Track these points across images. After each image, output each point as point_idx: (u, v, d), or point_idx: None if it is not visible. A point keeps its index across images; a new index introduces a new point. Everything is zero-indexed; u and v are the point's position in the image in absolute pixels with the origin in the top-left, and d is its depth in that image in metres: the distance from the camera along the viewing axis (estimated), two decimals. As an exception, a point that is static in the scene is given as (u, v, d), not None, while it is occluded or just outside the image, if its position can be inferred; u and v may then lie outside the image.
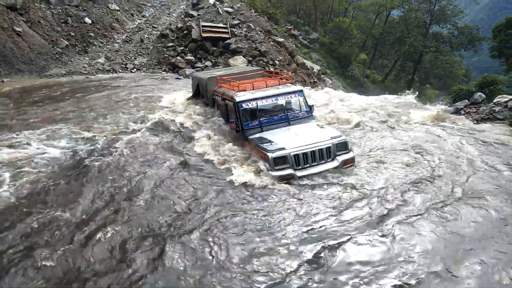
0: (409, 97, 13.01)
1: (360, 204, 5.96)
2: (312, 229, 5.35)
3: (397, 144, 8.44)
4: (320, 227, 5.39)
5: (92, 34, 21.60)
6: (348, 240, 5.06)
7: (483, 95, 11.23)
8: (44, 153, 8.19)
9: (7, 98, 13.68)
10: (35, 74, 17.79)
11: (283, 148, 7.29)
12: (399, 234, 5.13)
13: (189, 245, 5.04)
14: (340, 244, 4.98)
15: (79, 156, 8.06)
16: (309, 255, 4.78)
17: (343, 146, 7.55)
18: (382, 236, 5.11)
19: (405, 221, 5.42)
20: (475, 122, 9.57)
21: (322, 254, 4.79)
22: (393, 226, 5.31)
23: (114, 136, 9.25)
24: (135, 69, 20.12)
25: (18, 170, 7.25)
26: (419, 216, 5.51)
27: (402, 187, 6.40)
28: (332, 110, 11.46)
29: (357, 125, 10.04)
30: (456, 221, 5.37)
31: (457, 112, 10.61)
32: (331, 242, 5.01)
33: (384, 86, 35.57)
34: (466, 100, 11.40)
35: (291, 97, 8.89)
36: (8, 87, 15.52)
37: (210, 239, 5.16)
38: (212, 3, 25.11)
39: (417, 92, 14.68)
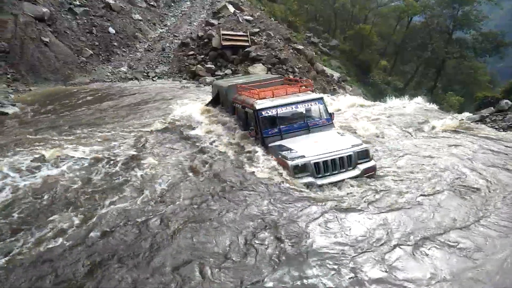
0: (432, 105, 12.75)
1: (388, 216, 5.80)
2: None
3: (417, 155, 8.23)
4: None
5: (115, 43, 22.14)
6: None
7: (510, 102, 10.88)
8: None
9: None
10: (60, 83, 18.32)
11: (303, 156, 7.26)
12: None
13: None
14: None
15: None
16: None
17: (364, 155, 7.45)
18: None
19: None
20: (501, 130, 9.28)
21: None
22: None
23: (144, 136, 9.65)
24: (156, 77, 20.48)
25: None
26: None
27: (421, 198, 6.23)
28: (352, 117, 11.36)
29: (377, 133, 9.91)
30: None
31: (482, 120, 10.33)
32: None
33: (406, 93, 34.91)
34: (492, 108, 11.08)
35: (311, 105, 8.88)
36: (34, 95, 16.15)
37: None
38: (232, 12, 25.37)
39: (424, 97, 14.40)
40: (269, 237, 5.23)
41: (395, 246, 4.95)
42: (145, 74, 20.68)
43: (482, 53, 36.91)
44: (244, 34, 21.72)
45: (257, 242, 5.14)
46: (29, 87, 17.04)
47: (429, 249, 4.87)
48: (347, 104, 12.95)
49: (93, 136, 10.09)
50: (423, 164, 7.62)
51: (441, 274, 4.42)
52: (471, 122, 10.30)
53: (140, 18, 25.07)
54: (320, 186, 7.01)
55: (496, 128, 9.37)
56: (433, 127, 10.03)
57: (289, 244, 5.07)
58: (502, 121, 9.69)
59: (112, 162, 8.04)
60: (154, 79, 20.26)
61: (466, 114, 11.37)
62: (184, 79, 20.14)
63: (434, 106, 12.50)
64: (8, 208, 6.25)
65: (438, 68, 38.29)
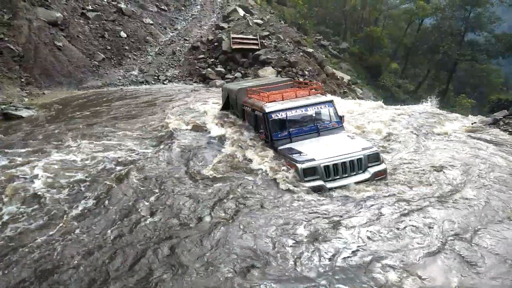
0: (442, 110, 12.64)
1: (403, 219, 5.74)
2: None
3: (429, 158, 8.13)
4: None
5: (127, 47, 22.42)
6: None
7: (524, 105, 10.72)
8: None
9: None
10: (73, 86, 18.63)
11: (313, 159, 7.22)
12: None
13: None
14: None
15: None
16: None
17: (375, 158, 7.38)
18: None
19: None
20: (515, 133, 9.15)
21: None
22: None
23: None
24: (167, 81, 20.67)
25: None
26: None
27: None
28: (362, 119, 11.30)
29: (388, 136, 9.83)
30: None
31: (495, 123, 10.17)
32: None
33: (418, 96, 34.62)
34: (506, 110, 10.91)
35: (321, 108, 8.82)
36: (51, 98, 16.47)
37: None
38: (242, 15, 25.51)
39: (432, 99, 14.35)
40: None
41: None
42: (156, 77, 20.88)
43: (495, 56, 36.36)
44: (254, 37, 21.79)
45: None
46: (42, 90, 17.36)
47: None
48: (368, 107, 12.95)
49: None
50: (434, 167, 7.53)
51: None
52: (484, 124, 10.16)
53: (151, 22, 25.36)
54: (330, 189, 6.97)
55: (509, 132, 9.24)
56: (445, 130, 9.91)
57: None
58: (515, 124, 9.57)
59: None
60: (165, 82, 20.45)
61: (479, 117, 11.23)
62: (195, 82, 20.30)
63: (444, 112, 12.35)
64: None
65: (450, 71, 37.85)
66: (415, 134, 9.83)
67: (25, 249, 5.27)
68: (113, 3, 24.27)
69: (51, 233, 5.65)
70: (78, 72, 19.36)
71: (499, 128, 9.70)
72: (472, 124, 10.37)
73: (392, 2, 43.42)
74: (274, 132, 8.39)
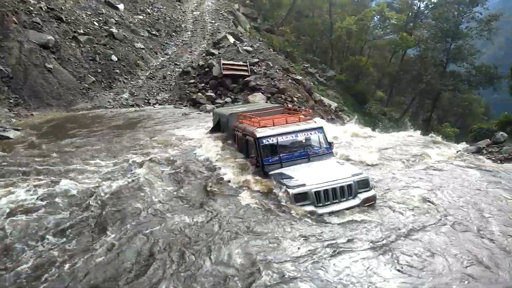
0: (429, 137, 12.99)
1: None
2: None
3: (416, 185, 8.31)
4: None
5: (117, 70, 22.56)
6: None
7: (505, 135, 11.11)
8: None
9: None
10: (62, 108, 18.53)
11: (304, 185, 7.31)
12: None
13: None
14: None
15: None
16: None
17: (365, 184, 7.51)
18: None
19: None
20: (498, 162, 9.44)
21: None
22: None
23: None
24: (157, 104, 20.76)
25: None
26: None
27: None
28: (350, 146, 11.52)
29: (375, 163, 10.01)
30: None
31: (479, 151, 10.51)
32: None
33: (402, 124, 35.45)
34: (488, 139, 11.29)
35: (311, 134, 8.99)
36: (39, 119, 16.30)
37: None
38: (232, 42, 26.07)
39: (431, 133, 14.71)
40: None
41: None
42: (146, 101, 20.98)
43: (476, 86, 37.76)
44: (244, 64, 22.23)
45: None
46: (31, 112, 17.21)
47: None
48: (346, 134, 13.18)
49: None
50: (421, 195, 7.69)
51: None
52: (468, 153, 10.48)
53: (142, 46, 25.69)
54: (321, 215, 7.03)
55: (493, 160, 9.55)
56: (431, 158, 10.17)
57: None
58: (498, 153, 9.87)
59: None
60: (155, 106, 20.52)
61: (464, 145, 11.59)
62: (185, 106, 20.42)
63: (433, 137, 12.71)
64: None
65: (433, 100, 39.07)
66: (402, 161, 10.04)
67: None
68: (105, 27, 24.57)
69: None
70: (68, 94, 19.31)
71: (483, 156, 10.03)
72: (457, 152, 10.68)
73: (377, 32, 45.09)
74: (265, 157, 8.49)
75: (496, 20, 35.11)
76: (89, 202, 7.32)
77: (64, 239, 6.06)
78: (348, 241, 5.97)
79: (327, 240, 5.99)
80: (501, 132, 11.36)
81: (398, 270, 5.16)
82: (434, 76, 36.89)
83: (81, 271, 5.23)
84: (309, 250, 5.69)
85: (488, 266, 5.21)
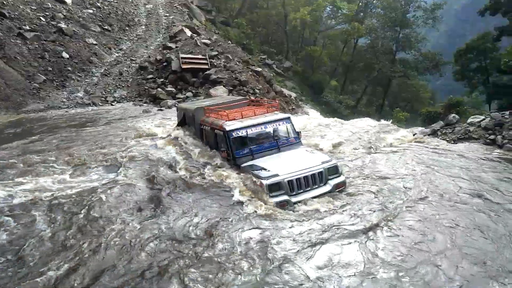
0: (385, 122, 13.70)
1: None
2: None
3: (380, 168, 8.80)
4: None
5: (70, 68, 21.52)
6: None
7: (457, 116, 11.96)
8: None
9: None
10: (12, 110, 17.43)
11: (277, 175, 7.47)
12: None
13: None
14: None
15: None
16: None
17: (334, 170, 7.83)
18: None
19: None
20: (452, 142, 10.17)
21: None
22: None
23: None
24: (115, 102, 20.08)
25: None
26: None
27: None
28: (316, 135, 11.89)
29: (339, 149, 10.42)
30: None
31: (434, 133, 11.24)
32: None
33: (357, 111, 36.83)
34: (441, 122, 12.09)
35: (279, 124, 9.20)
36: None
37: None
38: (189, 35, 25.71)
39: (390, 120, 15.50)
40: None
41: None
42: (103, 99, 20.22)
43: (423, 72, 39.92)
44: (203, 57, 22.03)
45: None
46: (-24, 115, 16.09)
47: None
48: (310, 122, 13.56)
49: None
50: (387, 177, 8.17)
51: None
52: (424, 135, 11.18)
53: (94, 42, 24.65)
54: (295, 203, 7.24)
55: (447, 140, 10.28)
56: (391, 142, 10.75)
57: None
58: (452, 134, 10.64)
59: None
60: (113, 103, 19.85)
61: (420, 129, 12.33)
62: (145, 103, 19.93)
63: (388, 123, 13.39)
64: None
65: (385, 87, 40.85)
66: (365, 147, 10.53)
67: None
68: (53, 23, 23.32)
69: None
70: (16, 95, 18.18)
71: (438, 138, 10.75)
72: (414, 135, 11.35)
73: (330, 22, 46.19)
74: (236, 150, 8.58)
75: (440, 9, 37.19)
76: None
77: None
78: (323, 231, 6.18)
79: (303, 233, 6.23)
80: (453, 115, 12.19)
81: (374, 254, 5.52)
82: (385, 64, 38.52)
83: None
84: (292, 240, 5.91)
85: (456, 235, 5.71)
